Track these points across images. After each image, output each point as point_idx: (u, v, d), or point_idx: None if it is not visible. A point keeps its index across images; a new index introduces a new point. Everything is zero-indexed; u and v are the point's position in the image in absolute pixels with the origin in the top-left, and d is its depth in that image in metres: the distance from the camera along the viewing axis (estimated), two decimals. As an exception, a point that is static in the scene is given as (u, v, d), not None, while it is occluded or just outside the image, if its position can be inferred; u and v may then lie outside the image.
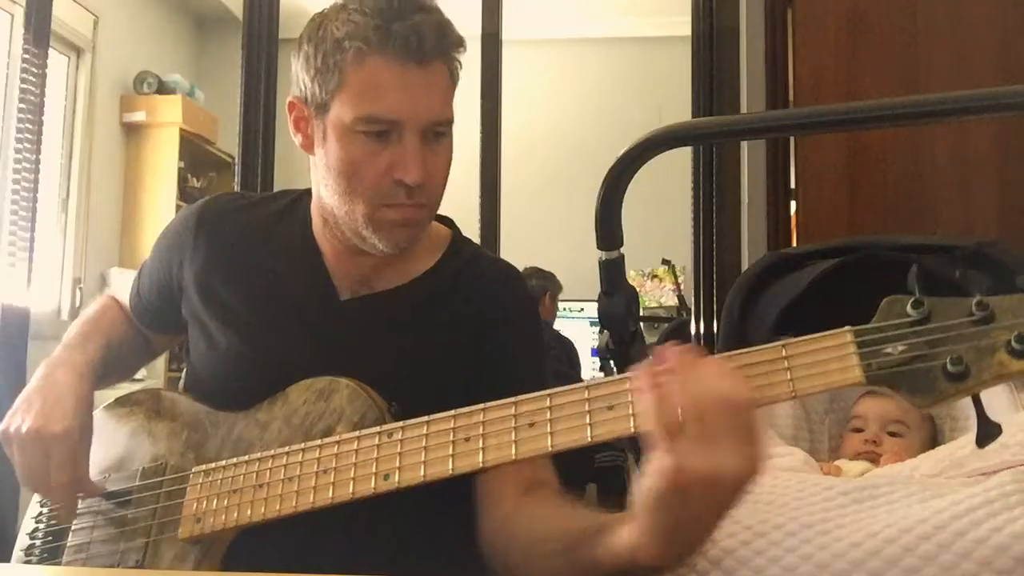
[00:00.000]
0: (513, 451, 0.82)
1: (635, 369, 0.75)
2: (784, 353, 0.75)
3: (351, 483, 0.88)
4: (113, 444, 1.09)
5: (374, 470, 0.87)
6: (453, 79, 1.03)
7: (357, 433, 0.90)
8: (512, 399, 0.83)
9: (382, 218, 1.01)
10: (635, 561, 0.76)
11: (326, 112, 1.00)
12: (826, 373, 0.74)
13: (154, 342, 1.27)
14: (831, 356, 0.74)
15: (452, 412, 0.86)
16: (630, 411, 0.78)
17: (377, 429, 0.89)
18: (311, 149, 1.05)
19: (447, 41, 1.00)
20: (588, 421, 0.80)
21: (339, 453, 0.90)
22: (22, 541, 1.09)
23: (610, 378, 0.82)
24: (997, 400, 1.18)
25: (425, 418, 0.87)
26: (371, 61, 0.97)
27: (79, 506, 1.04)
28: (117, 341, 1.17)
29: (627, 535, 0.76)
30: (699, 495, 0.70)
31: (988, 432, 0.72)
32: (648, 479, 0.72)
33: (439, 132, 1.01)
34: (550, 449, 0.81)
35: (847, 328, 0.74)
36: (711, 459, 0.68)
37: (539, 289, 3.97)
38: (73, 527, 1.06)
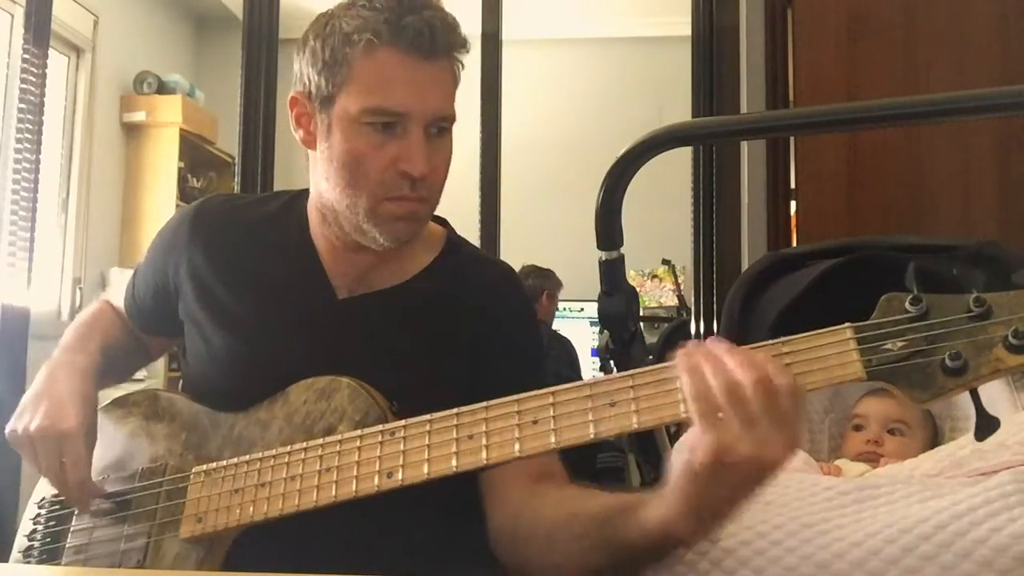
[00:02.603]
0: (517, 448, 0.83)
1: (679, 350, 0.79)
2: (785, 349, 0.76)
3: (354, 481, 0.88)
4: (112, 446, 1.08)
5: (377, 468, 0.87)
6: (456, 78, 1.05)
7: (360, 432, 0.90)
8: (515, 396, 0.84)
9: (384, 211, 1.02)
10: (667, 536, 0.81)
11: (331, 105, 1.01)
12: (826, 368, 0.75)
13: (150, 346, 1.27)
14: (831, 352, 0.75)
15: (455, 410, 0.86)
16: (633, 408, 0.79)
17: (380, 427, 0.89)
18: (313, 145, 1.05)
19: (455, 38, 1.02)
20: (591, 418, 0.81)
21: (342, 451, 0.90)
22: (20, 543, 1.09)
23: (612, 376, 0.83)
24: (998, 402, 1.18)
25: (428, 416, 0.87)
26: (381, 53, 0.98)
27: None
28: (113, 344, 1.18)
29: (657, 511, 0.80)
30: (736, 474, 0.75)
31: (986, 426, 0.73)
32: (688, 455, 0.76)
33: (442, 128, 1.03)
34: (553, 445, 0.82)
35: (847, 324, 0.76)
36: (752, 441, 0.73)
37: (536, 289, 3.97)
38: (72, 528, 1.06)
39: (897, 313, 0.74)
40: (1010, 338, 0.70)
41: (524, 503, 0.99)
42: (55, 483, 1.03)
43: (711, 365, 0.76)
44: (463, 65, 1.05)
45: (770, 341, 0.78)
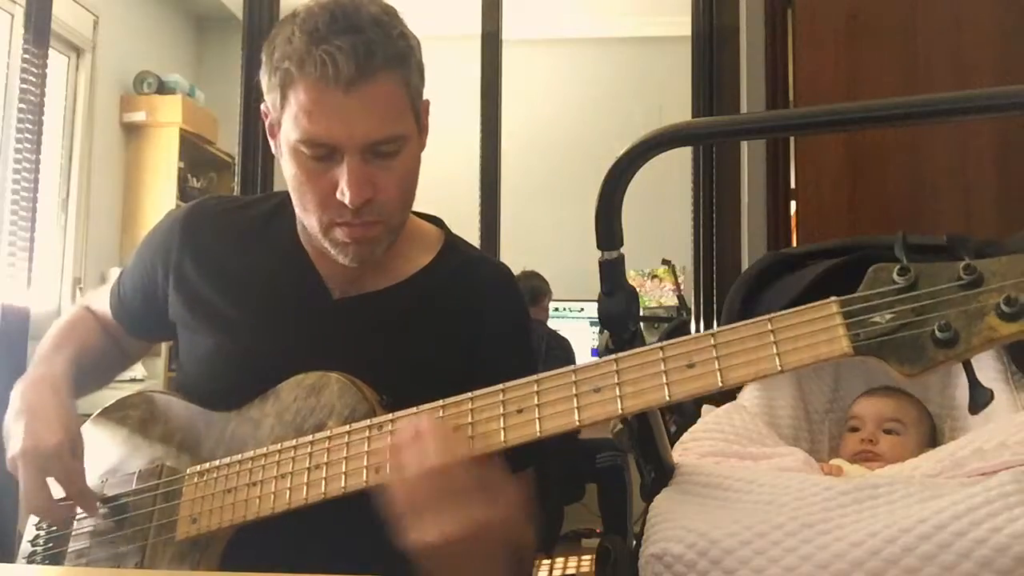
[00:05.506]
0: (502, 437, 0.82)
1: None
2: (770, 327, 0.74)
3: (343, 477, 0.88)
4: (110, 449, 1.08)
5: (365, 463, 0.87)
6: (407, 92, 0.98)
7: (348, 427, 0.90)
8: (500, 386, 0.84)
9: (334, 236, 1.00)
10: None
11: (280, 128, 1.00)
12: (813, 345, 0.72)
13: (129, 349, 1.25)
14: (817, 328, 0.73)
15: (441, 402, 0.86)
16: (617, 393, 0.79)
17: (367, 422, 0.89)
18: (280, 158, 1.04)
19: (374, 63, 0.93)
20: (576, 405, 0.81)
21: (330, 447, 0.90)
22: (24, 548, 1.09)
23: (595, 360, 0.82)
24: (999, 402, 1.18)
25: (415, 408, 0.87)
26: (300, 85, 0.94)
27: (78, 512, 1.04)
28: (89, 351, 1.16)
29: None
30: (439, 556, 0.82)
31: (979, 398, 0.71)
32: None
33: (384, 152, 0.97)
34: (539, 434, 0.82)
35: (833, 299, 0.73)
36: (431, 527, 0.80)
37: (541, 290, 3.97)
38: (74, 532, 1.05)
39: (885, 284, 0.71)
40: (1002, 306, 0.67)
41: None
42: (36, 507, 1.00)
43: (411, 455, 0.82)
44: (415, 73, 0.98)
45: (756, 319, 0.76)
